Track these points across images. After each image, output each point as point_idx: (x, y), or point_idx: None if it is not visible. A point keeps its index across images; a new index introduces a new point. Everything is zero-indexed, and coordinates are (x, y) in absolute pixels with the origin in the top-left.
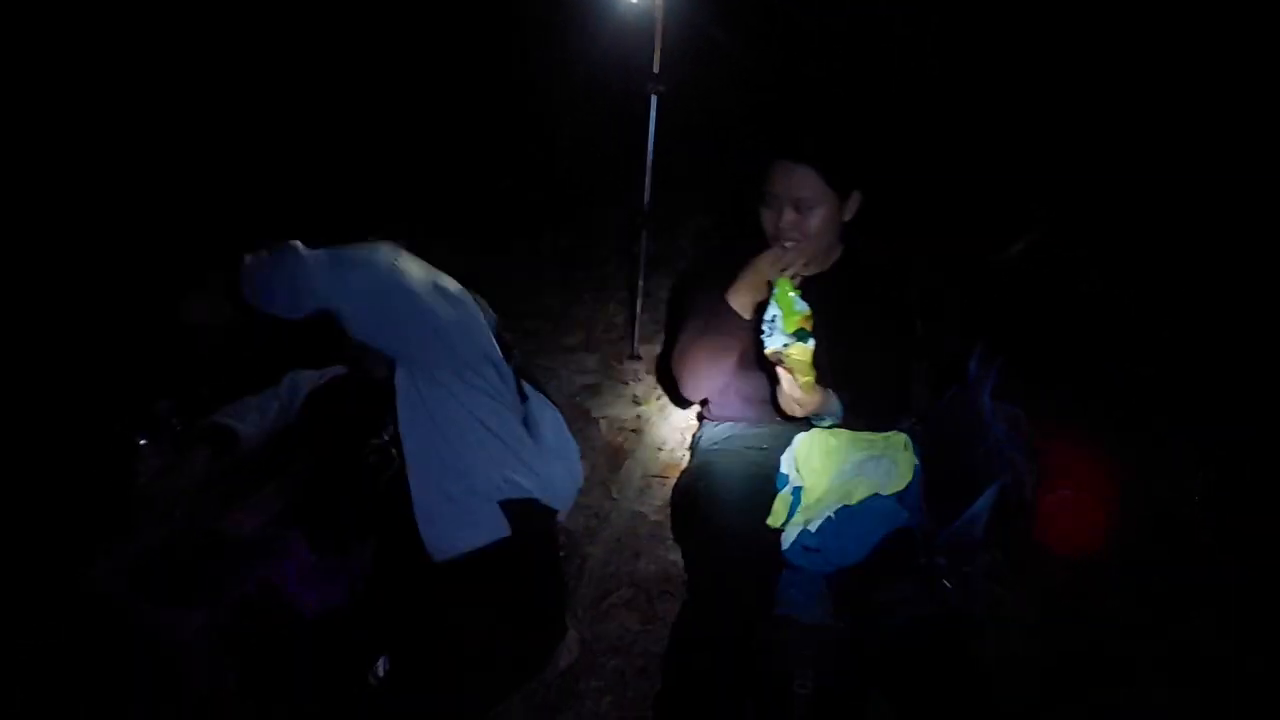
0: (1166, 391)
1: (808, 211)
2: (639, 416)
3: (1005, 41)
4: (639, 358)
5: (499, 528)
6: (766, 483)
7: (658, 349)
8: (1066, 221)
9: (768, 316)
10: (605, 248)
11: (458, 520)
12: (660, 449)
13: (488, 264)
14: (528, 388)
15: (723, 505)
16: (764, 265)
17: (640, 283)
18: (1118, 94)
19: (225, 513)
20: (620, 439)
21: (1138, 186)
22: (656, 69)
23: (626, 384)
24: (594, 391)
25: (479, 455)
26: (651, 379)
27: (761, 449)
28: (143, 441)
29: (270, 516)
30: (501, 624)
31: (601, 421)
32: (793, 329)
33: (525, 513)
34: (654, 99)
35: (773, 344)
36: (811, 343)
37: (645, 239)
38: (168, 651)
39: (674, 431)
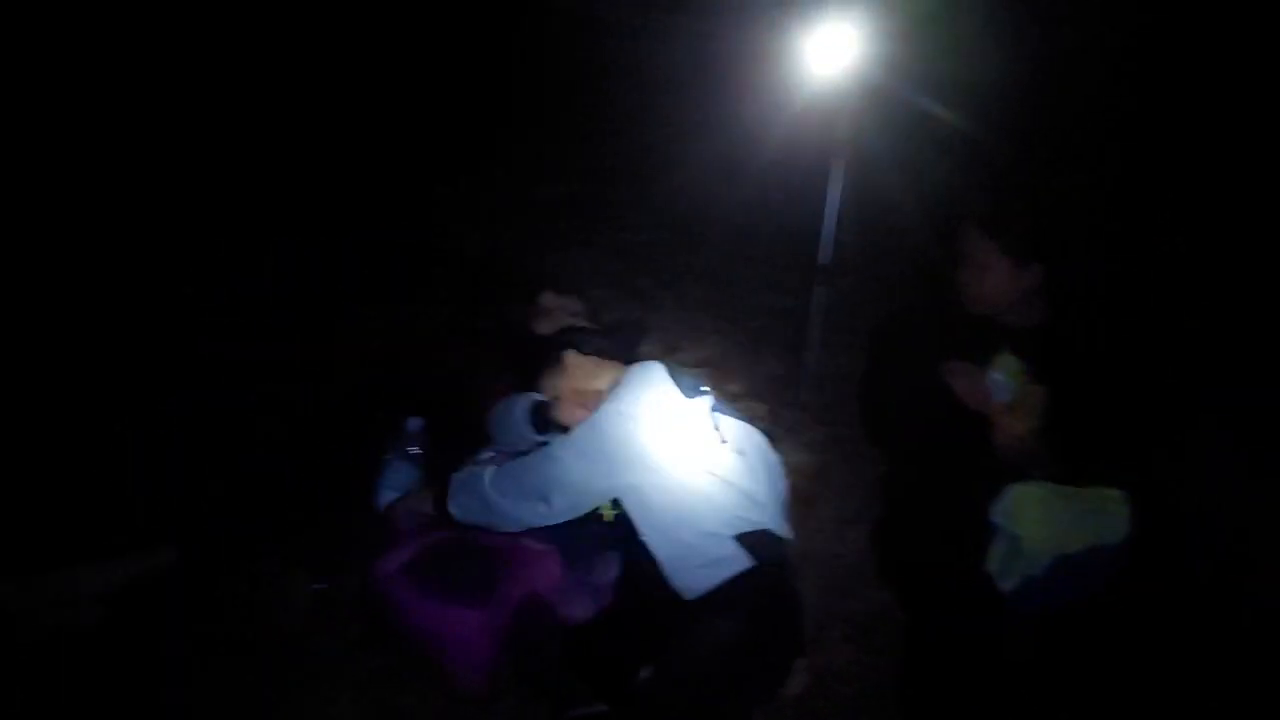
0: None
1: (979, 270)
2: (819, 462)
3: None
4: (808, 407)
5: (740, 561)
6: (977, 530)
7: (827, 399)
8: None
9: (993, 375)
10: (751, 302)
11: (700, 562)
12: (847, 494)
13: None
14: (727, 418)
15: (940, 550)
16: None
17: (817, 334)
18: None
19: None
20: (806, 484)
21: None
22: (843, 143)
23: (801, 432)
24: (769, 437)
25: (707, 501)
26: (825, 428)
27: (966, 496)
28: (388, 456)
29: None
30: (744, 646)
31: (785, 466)
32: (1018, 380)
33: (761, 543)
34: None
35: (1003, 394)
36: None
37: (822, 293)
38: (446, 647)
39: (858, 479)
